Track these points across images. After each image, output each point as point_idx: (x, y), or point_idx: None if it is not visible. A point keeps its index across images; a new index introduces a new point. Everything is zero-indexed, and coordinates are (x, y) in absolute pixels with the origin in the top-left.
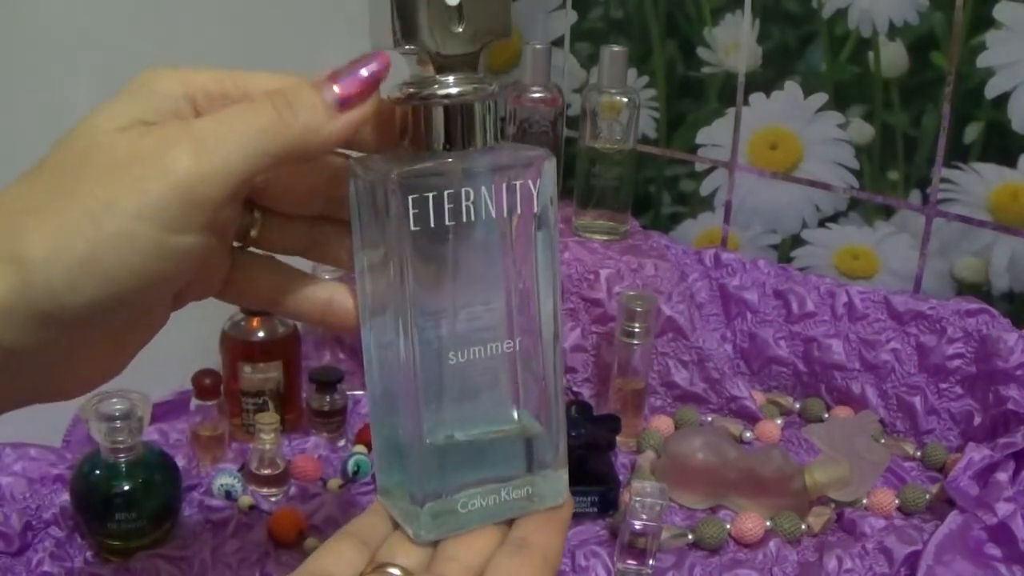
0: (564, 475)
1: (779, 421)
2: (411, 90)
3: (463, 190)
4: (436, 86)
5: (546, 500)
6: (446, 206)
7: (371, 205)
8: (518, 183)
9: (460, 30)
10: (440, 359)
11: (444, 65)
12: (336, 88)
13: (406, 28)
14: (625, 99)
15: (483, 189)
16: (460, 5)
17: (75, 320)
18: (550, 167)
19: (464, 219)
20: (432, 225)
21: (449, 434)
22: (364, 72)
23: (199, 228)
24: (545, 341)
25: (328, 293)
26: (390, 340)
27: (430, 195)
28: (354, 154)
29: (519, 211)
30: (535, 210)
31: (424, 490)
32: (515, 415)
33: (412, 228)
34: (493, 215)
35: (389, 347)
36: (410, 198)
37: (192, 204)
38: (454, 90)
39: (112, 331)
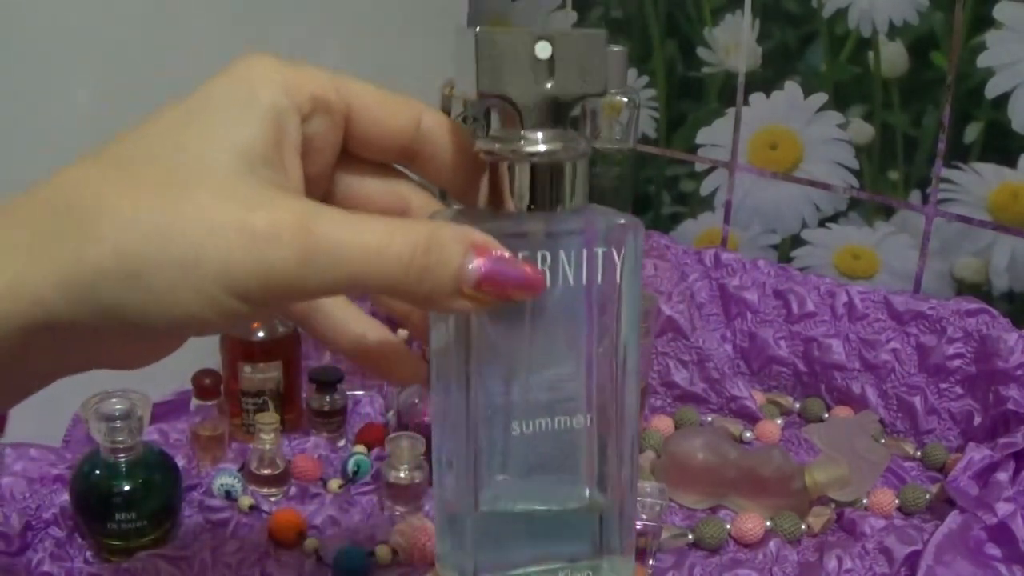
0: (632, 563)
1: (779, 421)
2: (496, 145)
3: (541, 253)
4: (523, 142)
5: None
6: None
7: None
8: (601, 251)
9: (550, 85)
10: (505, 428)
11: (532, 121)
12: (482, 268)
13: (493, 78)
14: (625, 99)
15: (563, 254)
16: (552, 59)
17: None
18: (637, 235)
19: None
20: None
21: (511, 506)
22: (517, 275)
23: (266, 309)
24: (623, 419)
25: (400, 346)
26: (454, 401)
27: None
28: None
29: (601, 280)
30: (618, 280)
31: (476, 562)
32: (586, 493)
33: None
34: (571, 283)
35: (451, 408)
36: None
37: (272, 296)
38: (543, 147)
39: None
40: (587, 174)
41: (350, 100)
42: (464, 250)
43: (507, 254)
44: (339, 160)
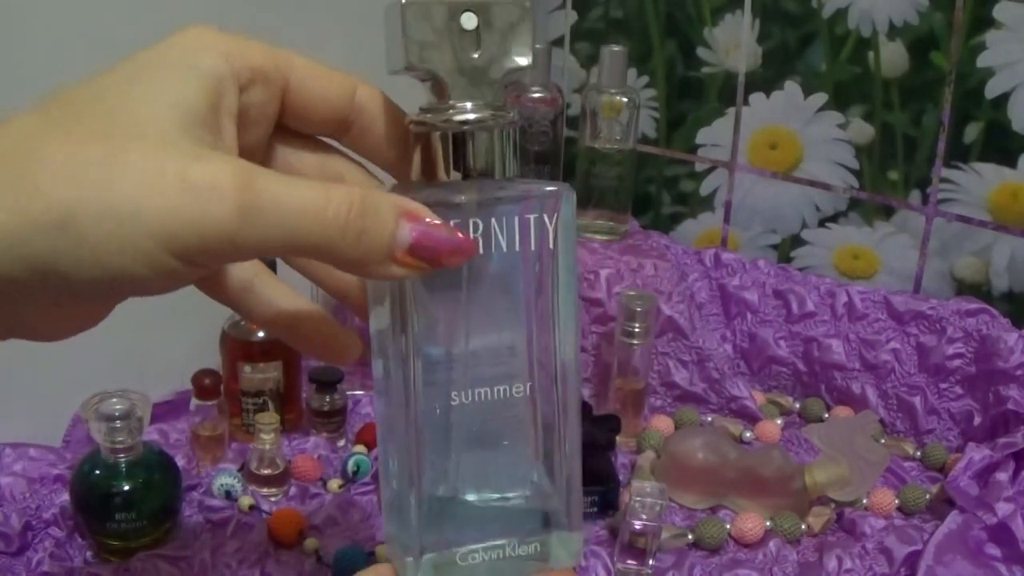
0: (579, 537)
1: (779, 421)
2: (426, 116)
3: (473, 221)
4: (451, 111)
5: (560, 561)
6: None
7: None
8: (532, 217)
9: (476, 56)
10: (446, 400)
11: (460, 93)
12: (413, 233)
13: (419, 52)
14: (625, 99)
15: (495, 222)
16: (478, 29)
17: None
18: (569, 201)
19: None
20: None
21: (455, 490)
22: (448, 241)
23: (202, 268)
24: (563, 386)
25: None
26: (394, 379)
27: None
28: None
29: (534, 247)
30: (552, 246)
31: (422, 543)
32: (533, 474)
33: None
34: (505, 250)
35: (391, 385)
36: None
37: (208, 254)
38: (471, 116)
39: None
40: (517, 144)
41: (288, 72)
42: (396, 216)
43: (438, 221)
44: (275, 133)
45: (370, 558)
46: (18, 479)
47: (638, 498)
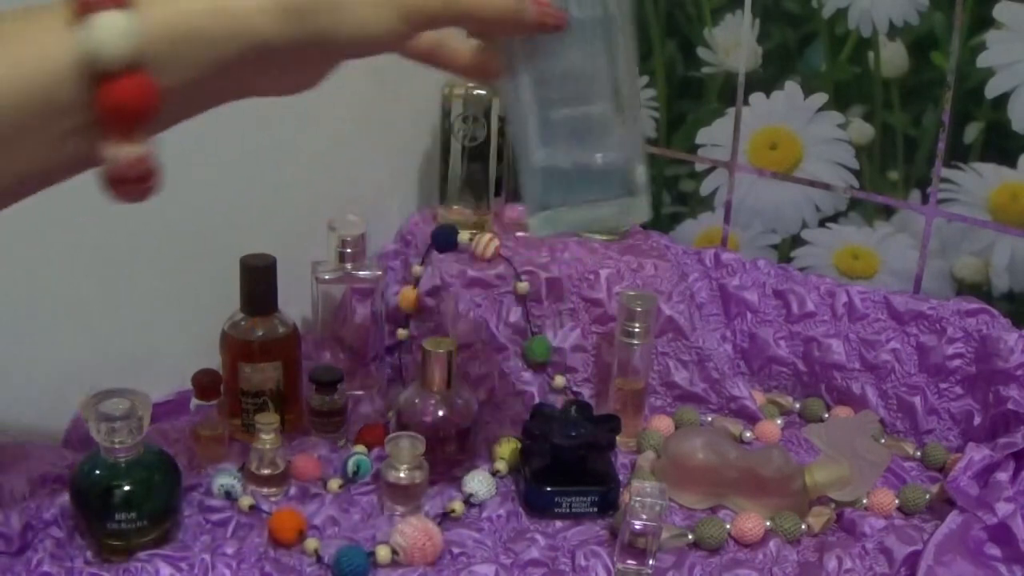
0: (646, 201)
1: (779, 421)
2: None
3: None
4: None
5: (637, 215)
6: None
7: None
8: None
9: None
10: (548, 108)
11: None
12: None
13: None
14: None
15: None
16: None
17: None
18: None
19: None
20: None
21: (558, 161)
22: (542, 17)
23: (413, 34)
24: (633, 95)
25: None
26: (513, 99)
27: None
28: None
29: (611, 10)
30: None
31: (539, 202)
32: (613, 151)
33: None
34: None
35: (513, 103)
36: None
37: (425, 20)
38: None
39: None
40: None
41: None
42: None
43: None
44: None
45: (370, 558)
46: (18, 479)
47: (638, 498)
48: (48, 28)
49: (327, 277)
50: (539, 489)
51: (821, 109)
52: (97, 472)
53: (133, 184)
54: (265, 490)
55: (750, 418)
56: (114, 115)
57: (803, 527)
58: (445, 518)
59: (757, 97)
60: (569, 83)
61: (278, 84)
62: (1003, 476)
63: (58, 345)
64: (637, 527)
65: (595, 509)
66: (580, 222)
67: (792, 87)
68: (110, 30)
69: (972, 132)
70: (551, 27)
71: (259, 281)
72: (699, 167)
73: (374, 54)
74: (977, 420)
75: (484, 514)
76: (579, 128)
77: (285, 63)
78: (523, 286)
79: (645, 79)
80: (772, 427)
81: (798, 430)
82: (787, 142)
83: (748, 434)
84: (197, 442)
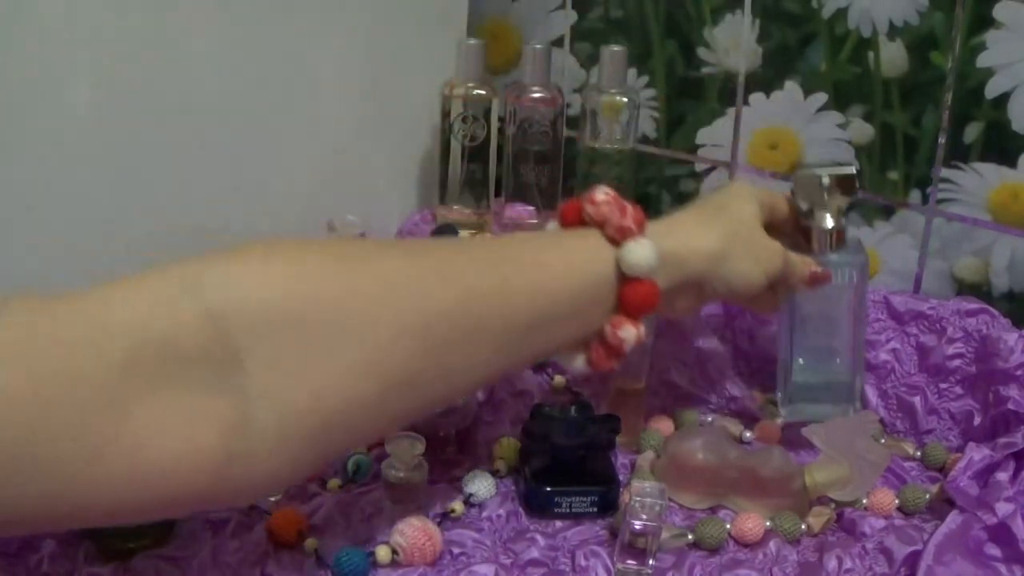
0: (860, 407)
1: (779, 421)
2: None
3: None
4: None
5: (853, 412)
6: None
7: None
8: (855, 271)
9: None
10: (803, 337)
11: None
12: (810, 276)
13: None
14: (625, 99)
15: (839, 271)
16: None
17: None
18: (866, 260)
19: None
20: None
21: (806, 377)
22: (823, 276)
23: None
24: (860, 347)
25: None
26: (785, 332)
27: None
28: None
29: (855, 280)
30: (856, 281)
31: (789, 400)
32: (843, 370)
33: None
34: (842, 282)
35: (784, 333)
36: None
37: (770, 281)
38: (830, 224)
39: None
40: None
41: (775, 205)
42: (807, 268)
43: (821, 270)
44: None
45: (370, 558)
46: None
47: (638, 498)
48: (596, 247)
49: None
50: (539, 489)
51: (821, 109)
52: None
53: (616, 356)
54: None
55: (750, 418)
56: (634, 307)
57: (803, 527)
58: (445, 518)
59: (757, 97)
60: (823, 321)
61: (684, 308)
62: (1003, 476)
63: None
64: (637, 527)
65: (595, 509)
66: (816, 416)
67: (792, 87)
68: (643, 253)
69: (972, 132)
70: (820, 284)
71: None
72: (699, 167)
73: (738, 302)
74: (977, 420)
75: (484, 514)
76: (824, 354)
77: (687, 296)
78: None
79: (645, 79)
80: (772, 427)
81: (798, 430)
82: (787, 142)
83: (748, 434)
84: None
